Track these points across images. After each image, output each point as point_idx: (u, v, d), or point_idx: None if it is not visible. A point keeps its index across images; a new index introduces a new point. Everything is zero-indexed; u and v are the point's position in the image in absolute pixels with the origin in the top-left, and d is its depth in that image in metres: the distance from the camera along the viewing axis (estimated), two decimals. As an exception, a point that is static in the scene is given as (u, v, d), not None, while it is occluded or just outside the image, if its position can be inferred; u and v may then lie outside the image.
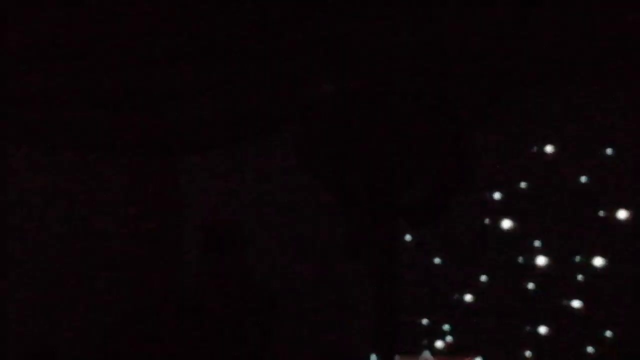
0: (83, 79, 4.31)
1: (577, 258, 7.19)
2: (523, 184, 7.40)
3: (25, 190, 7.13)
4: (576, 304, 7.16)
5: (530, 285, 7.28)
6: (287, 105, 4.34)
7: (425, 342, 7.37)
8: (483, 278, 7.35)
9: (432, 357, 6.66)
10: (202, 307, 5.20)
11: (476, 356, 7.02)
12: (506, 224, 7.39)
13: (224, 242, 5.32)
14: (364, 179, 3.90)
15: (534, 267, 7.30)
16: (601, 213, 7.23)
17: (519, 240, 7.38)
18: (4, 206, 7.15)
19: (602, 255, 7.14)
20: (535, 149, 7.47)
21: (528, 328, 7.25)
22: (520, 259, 7.32)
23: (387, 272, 4.06)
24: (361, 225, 3.95)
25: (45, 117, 4.49)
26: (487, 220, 7.41)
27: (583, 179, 7.27)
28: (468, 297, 7.35)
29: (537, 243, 7.34)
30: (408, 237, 7.02)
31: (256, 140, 4.93)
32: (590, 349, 7.11)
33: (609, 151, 7.20)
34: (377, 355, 4.39)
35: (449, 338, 7.39)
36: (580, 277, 7.19)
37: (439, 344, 7.39)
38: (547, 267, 7.25)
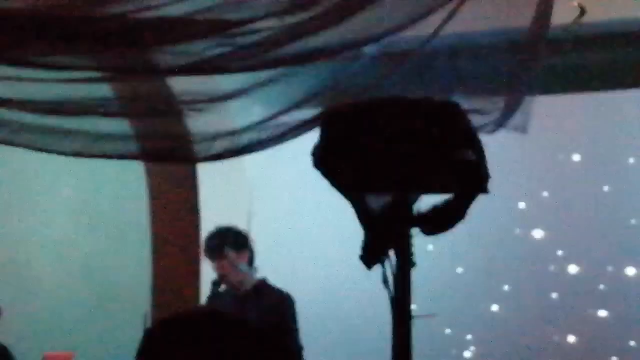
0: (102, 83, 4.34)
1: (609, 268, 7.15)
2: (546, 193, 7.36)
3: (46, 194, 7.18)
4: (602, 313, 7.11)
5: (555, 295, 7.23)
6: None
7: (453, 352, 7.33)
8: (506, 287, 7.30)
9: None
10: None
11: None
12: (531, 233, 7.35)
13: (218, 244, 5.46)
14: (378, 184, 3.90)
15: (561, 276, 7.24)
16: (633, 221, 7.19)
17: (544, 250, 7.33)
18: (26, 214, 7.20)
19: (634, 265, 7.09)
20: (560, 157, 7.44)
21: (555, 338, 7.19)
22: (552, 268, 7.26)
23: (402, 278, 4.05)
24: (377, 230, 3.95)
25: (64, 122, 4.52)
26: (515, 230, 7.36)
27: (606, 187, 7.23)
28: (493, 307, 7.30)
29: (560, 252, 7.30)
30: (430, 247, 6.99)
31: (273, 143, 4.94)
32: (614, 359, 7.06)
33: (631, 160, 7.17)
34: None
35: (472, 348, 7.34)
36: (603, 286, 7.14)
37: (467, 354, 7.34)
38: (574, 276, 7.19)
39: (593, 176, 7.32)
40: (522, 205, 7.41)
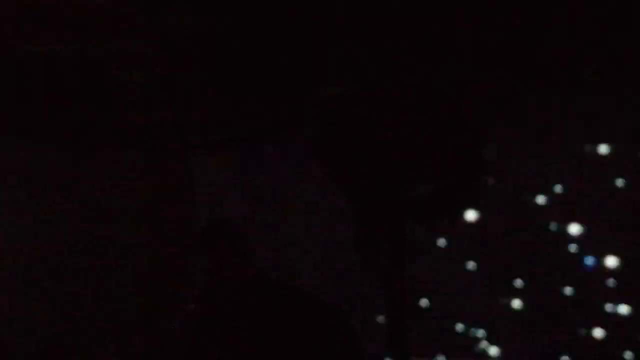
0: (89, 75, 4.33)
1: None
2: (564, 187, 7.28)
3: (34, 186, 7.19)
4: (623, 309, 7.04)
5: (568, 291, 7.15)
6: (299, 104, 4.31)
7: (478, 347, 7.29)
8: (518, 283, 7.24)
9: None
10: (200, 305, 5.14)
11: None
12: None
13: (211, 237, 5.30)
14: (374, 175, 3.84)
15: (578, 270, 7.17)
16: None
17: (564, 243, 7.26)
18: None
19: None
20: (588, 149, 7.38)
21: (578, 331, 7.12)
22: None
23: (397, 271, 3.97)
24: (372, 222, 3.89)
25: (51, 114, 4.52)
26: (536, 223, 7.30)
27: (619, 181, 7.16)
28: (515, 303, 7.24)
29: (586, 245, 7.22)
30: (442, 242, 6.93)
31: (267, 139, 4.90)
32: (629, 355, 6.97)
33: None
34: (390, 358, 4.28)
35: (484, 343, 7.29)
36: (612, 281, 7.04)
37: (492, 350, 7.29)
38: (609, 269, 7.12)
39: (619, 168, 7.25)
40: (541, 200, 7.33)
